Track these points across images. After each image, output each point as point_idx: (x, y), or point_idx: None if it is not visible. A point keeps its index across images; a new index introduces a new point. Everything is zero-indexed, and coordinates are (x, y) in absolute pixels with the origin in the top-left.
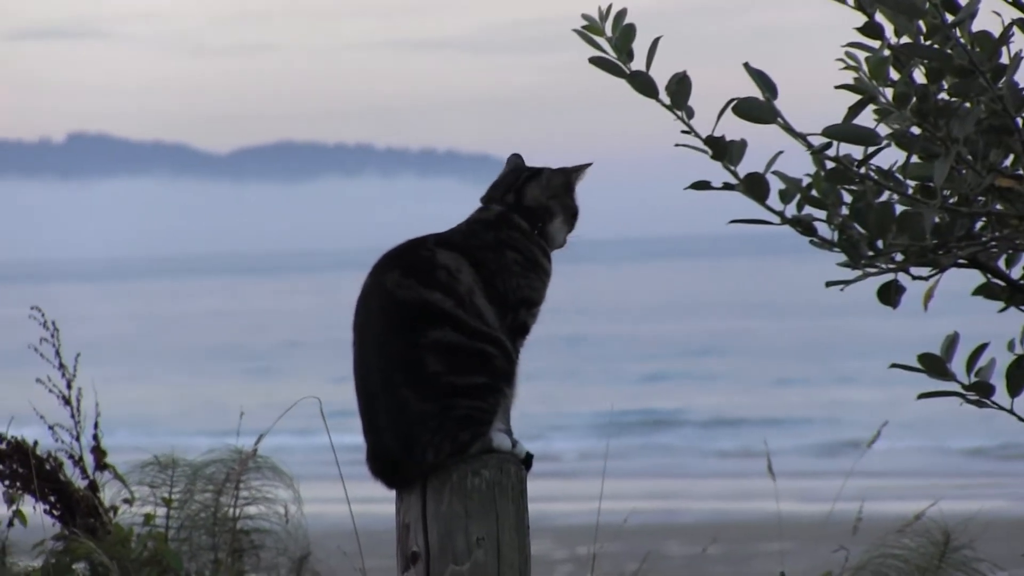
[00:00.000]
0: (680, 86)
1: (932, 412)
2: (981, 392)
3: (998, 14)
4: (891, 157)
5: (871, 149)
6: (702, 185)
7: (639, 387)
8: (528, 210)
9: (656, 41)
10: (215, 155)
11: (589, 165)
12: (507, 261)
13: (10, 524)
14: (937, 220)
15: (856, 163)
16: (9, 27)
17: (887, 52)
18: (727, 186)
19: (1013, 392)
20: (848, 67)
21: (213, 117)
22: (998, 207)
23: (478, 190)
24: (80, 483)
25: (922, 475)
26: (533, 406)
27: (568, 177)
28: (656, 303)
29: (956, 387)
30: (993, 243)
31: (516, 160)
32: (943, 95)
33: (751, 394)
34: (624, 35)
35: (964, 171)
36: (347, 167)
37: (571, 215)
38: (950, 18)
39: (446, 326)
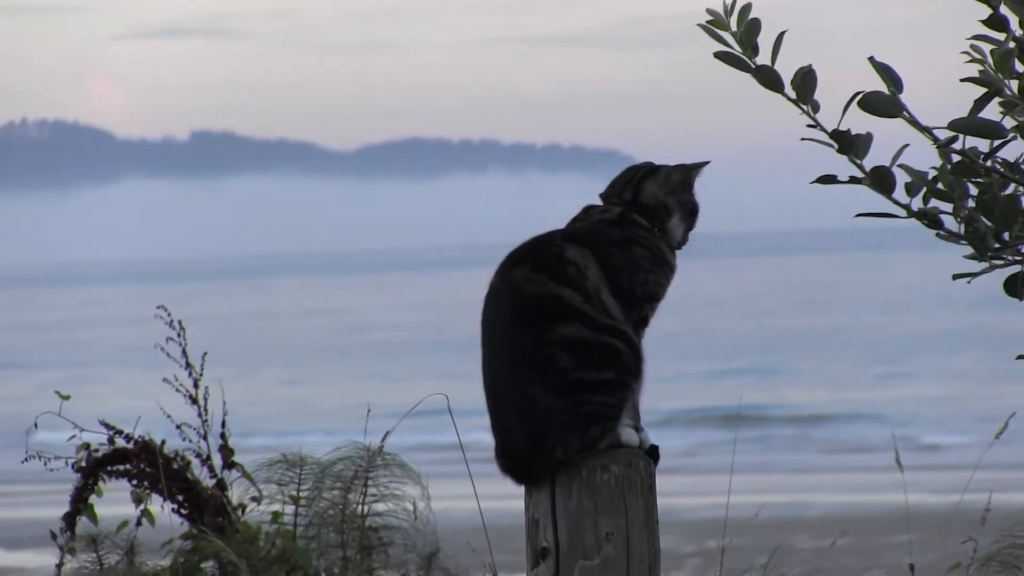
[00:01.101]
0: (805, 80)
1: None
2: None
3: None
4: (1017, 150)
5: (997, 142)
6: (829, 179)
7: (739, 380)
8: (645, 207)
9: (781, 35)
10: (341, 153)
11: (706, 163)
12: (635, 257)
13: (138, 523)
14: None
15: (982, 156)
16: (133, 26)
17: (1012, 44)
18: (853, 180)
19: None
20: (973, 60)
21: (339, 115)
22: None
23: (603, 186)
24: (208, 482)
25: None
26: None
27: (687, 175)
28: (760, 297)
29: None
30: None
31: (633, 167)
32: None
33: (853, 388)
34: (749, 29)
35: None
36: (473, 163)
37: (689, 212)
38: None
39: (576, 321)
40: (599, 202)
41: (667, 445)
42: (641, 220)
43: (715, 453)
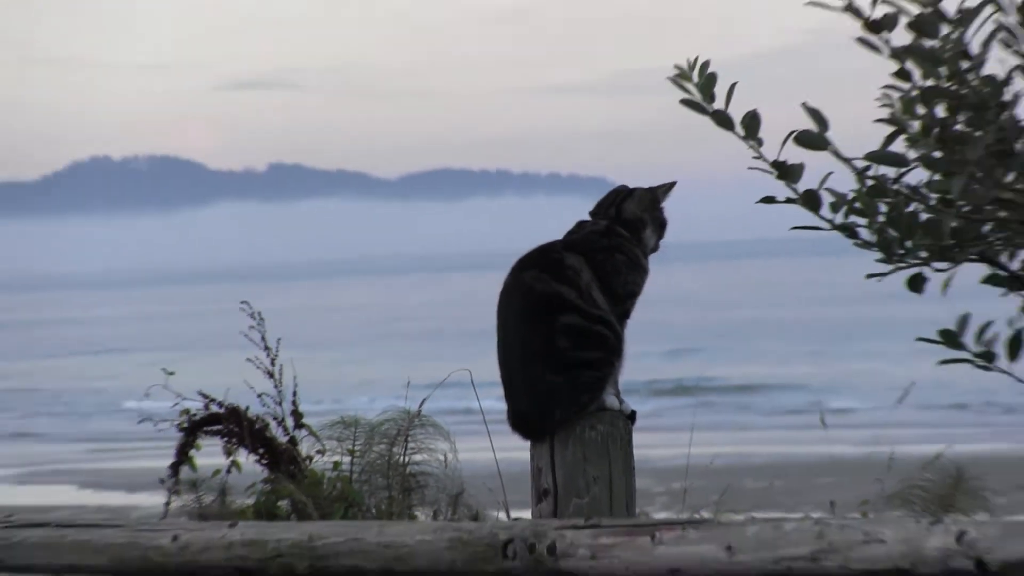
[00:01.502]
0: (752, 121)
1: (943, 376)
2: (987, 359)
3: (1002, 62)
4: (918, 176)
5: (902, 170)
6: (769, 200)
7: (695, 358)
8: (626, 222)
9: (733, 86)
10: (386, 180)
11: (673, 184)
12: (617, 262)
13: (228, 471)
14: (954, 225)
15: (891, 181)
16: (220, 80)
17: (915, 93)
18: (789, 200)
19: (1012, 358)
20: (885, 105)
21: (385, 149)
22: (1002, 214)
23: (592, 205)
24: (282, 439)
25: (941, 425)
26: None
27: (655, 194)
28: (716, 293)
29: (968, 355)
30: (999, 242)
31: (616, 189)
32: (959, 126)
33: (788, 364)
34: (707, 82)
35: (975, 186)
36: (490, 189)
37: (659, 225)
38: (965, 65)
39: (572, 313)
40: (588, 218)
41: (640, 410)
42: (623, 232)
43: (678, 416)
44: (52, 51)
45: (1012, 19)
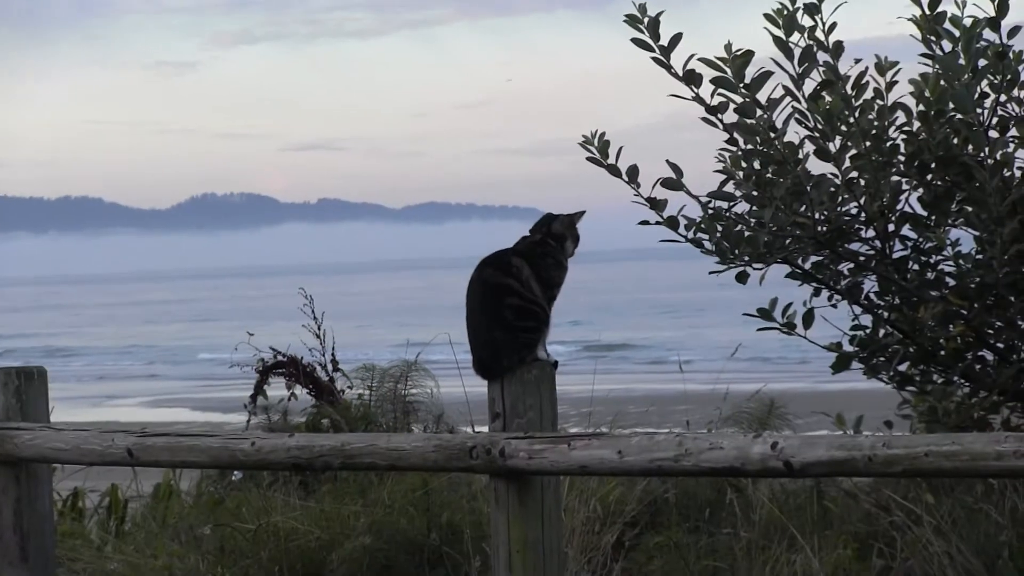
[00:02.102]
0: (632, 171)
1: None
2: (789, 328)
3: (797, 133)
4: (742, 207)
5: (731, 203)
6: (645, 223)
7: (586, 327)
8: (554, 236)
9: (620, 149)
10: (394, 210)
11: (583, 212)
12: (548, 263)
13: (288, 400)
14: (767, 239)
15: (724, 210)
16: (284, 144)
17: (740, 152)
18: (658, 223)
19: (807, 327)
20: (720, 160)
21: (396, 187)
22: (798, 232)
23: (526, 226)
24: (324, 379)
25: (759, 371)
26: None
27: (572, 218)
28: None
29: (777, 325)
30: (796, 251)
31: (547, 215)
32: (769, 174)
33: (654, 329)
34: (603, 146)
35: (780, 214)
36: (463, 215)
37: (575, 239)
38: (773, 135)
39: (516, 297)
40: (528, 234)
41: (560, 360)
42: (552, 243)
43: (584, 364)
44: (178, 123)
45: (803, 105)
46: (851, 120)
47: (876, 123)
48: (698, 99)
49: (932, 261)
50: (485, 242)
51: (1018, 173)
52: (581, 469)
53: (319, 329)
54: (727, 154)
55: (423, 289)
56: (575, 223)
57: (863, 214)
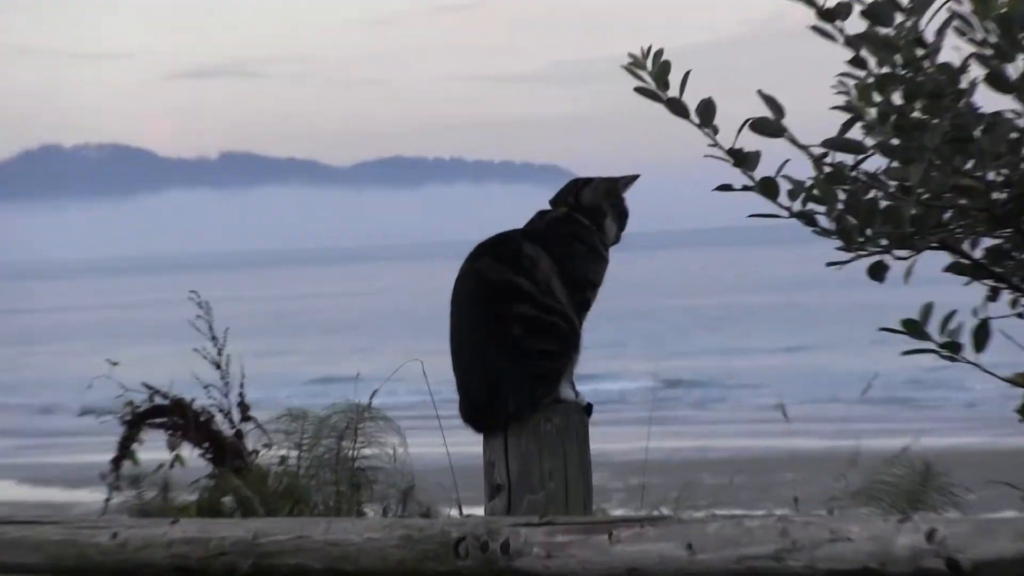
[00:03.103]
0: (706, 108)
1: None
2: (952, 350)
3: (958, 49)
4: (876, 163)
5: (860, 157)
6: (726, 188)
7: (643, 350)
8: (586, 209)
9: (687, 74)
10: (339, 168)
11: (636, 177)
12: (576, 251)
13: (172, 466)
14: (914, 212)
15: (848, 168)
16: (171, 70)
17: (871, 80)
18: (746, 188)
19: (978, 349)
20: (840, 92)
21: (338, 137)
22: (962, 201)
23: (548, 193)
24: (228, 432)
25: (907, 419)
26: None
27: (613, 184)
28: (675, 284)
29: (932, 345)
30: (959, 230)
31: (574, 180)
32: (916, 113)
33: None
34: (661, 70)
35: (934, 173)
36: (444, 177)
37: (619, 215)
38: (920, 53)
39: (527, 303)
40: (548, 207)
41: (596, 402)
42: (582, 219)
43: (635, 409)
44: (9, 40)
45: (966, 7)
46: None
47: None
48: None
49: None
50: (479, 218)
51: None
52: (629, 573)
53: (220, 355)
54: (851, 83)
55: (383, 292)
56: (620, 191)
57: None
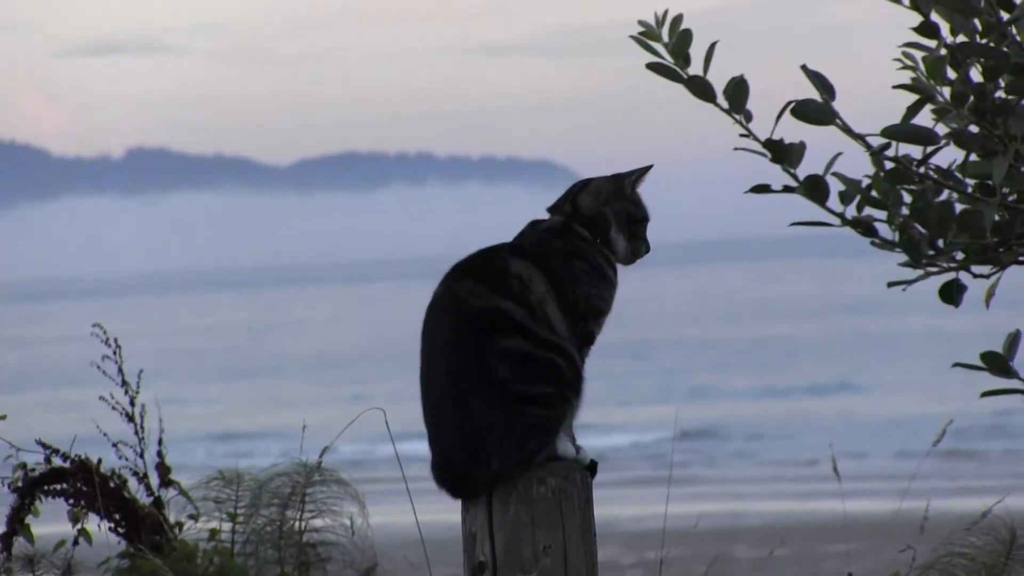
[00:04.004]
0: (738, 90)
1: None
2: None
3: None
4: (950, 156)
5: (930, 148)
6: (762, 188)
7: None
8: (586, 219)
9: (713, 46)
10: (276, 167)
11: (647, 169)
12: (575, 270)
13: (75, 543)
14: (997, 218)
15: (915, 163)
16: (65, 45)
17: (944, 51)
18: (787, 189)
19: None
20: (905, 67)
21: (274, 128)
22: None
23: (541, 197)
24: (145, 500)
25: (989, 475)
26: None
27: (620, 183)
28: (696, 309)
29: (1020, 384)
30: None
31: (577, 182)
32: (1000, 93)
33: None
34: (681, 40)
35: (1023, 168)
36: (410, 176)
37: (629, 220)
38: (1006, 16)
39: (517, 335)
40: (546, 216)
41: (605, 460)
42: (582, 231)
43: (647, 466)
44: None
45: None
46: None
47: None
48: None
49: None
50: (455, 228)
51: None
52: None
53: (133, 405)
54: (918, 55)
55: (333, 321)
56: (627, 191)
57: None
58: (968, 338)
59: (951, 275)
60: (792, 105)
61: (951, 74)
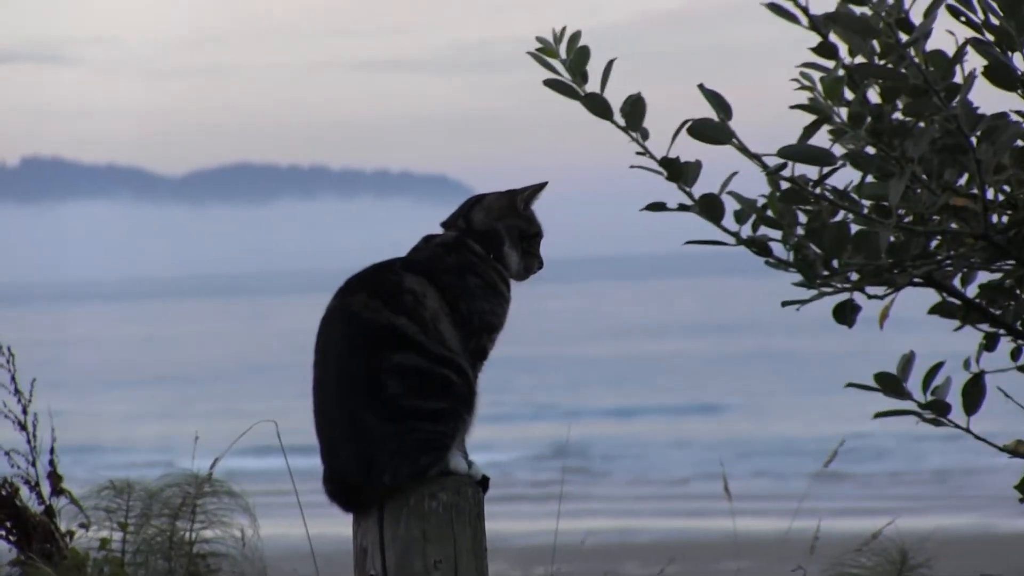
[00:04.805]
0: (634, 108)
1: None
2: (938, 411)
3: (952, 33)
4: (846, 177)
5: (826, 169)
6: (658, 207)
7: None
8: (480, 234)
9: (611, 63)
10: (169, 178)
11: (542, 186)
12: (469, 285)
13: None
14: (892, 239)
15: (811, 183)
16: None
17: (842, 72)
18: (682, 207)
19: (969, 411)
20: (803, 87)
21: (167, 139)
22: (953, 226)
23: (433, 211)
24: (36, 508)
25: (878, 496)
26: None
27: (513, 199)
28: (576, 328)
29: (913, 406)
30: (948, 262)
31: (470, 198)
32: (898, 115)
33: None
34: (578, 57)
35: (919, 190)
36: (303, 188)
37: (522, 236)
38: (904, 38)
39: (409, 350)
40: (440, 231)
41: (494, 474)
42: (476, 247)
43: (541, 482)
44: None
45: None
46: None
47: None
48: None
49: None
50: (349, 242)
51: None
52: None
53: (25, 413)
54: (816, 76)
55: (221, 334)
56: (520, 207)
57: None
58: (862, 359)
59: (845, 296)
60: (689, 124)
61: (849, 95)
